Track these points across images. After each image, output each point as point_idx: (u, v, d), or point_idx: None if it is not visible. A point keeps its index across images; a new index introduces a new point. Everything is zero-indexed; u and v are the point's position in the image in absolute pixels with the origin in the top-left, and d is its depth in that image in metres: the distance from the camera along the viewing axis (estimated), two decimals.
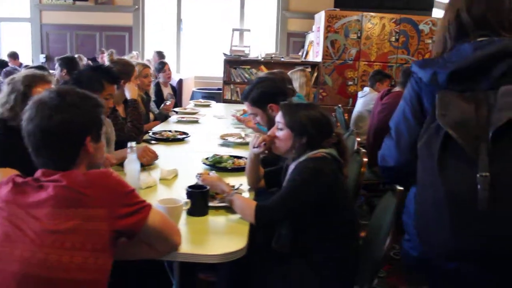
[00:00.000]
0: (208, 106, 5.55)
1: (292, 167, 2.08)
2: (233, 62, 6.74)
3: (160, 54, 7.64)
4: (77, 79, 2.72)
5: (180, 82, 7.38)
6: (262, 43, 8.82)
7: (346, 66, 6.63)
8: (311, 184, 1.94)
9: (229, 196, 2.01)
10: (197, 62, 9.05)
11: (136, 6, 8.72)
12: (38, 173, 1.39)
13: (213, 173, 2.20)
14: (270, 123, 2.68)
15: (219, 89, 7.59)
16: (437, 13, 7.11)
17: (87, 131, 1.45)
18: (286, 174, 2.25)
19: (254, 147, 2.21)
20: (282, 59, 6.79)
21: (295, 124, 2.08)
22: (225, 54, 6.80)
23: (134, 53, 7.53)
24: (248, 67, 6.72)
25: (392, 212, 1.99)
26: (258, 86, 2.67)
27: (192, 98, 7.50)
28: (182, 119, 4.32)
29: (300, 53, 8.21)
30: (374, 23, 6.55)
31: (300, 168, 1.99)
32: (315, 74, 6.65)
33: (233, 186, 2.19)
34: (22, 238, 1.30)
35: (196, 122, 4.29)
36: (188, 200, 1.87)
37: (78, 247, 1.29)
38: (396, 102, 4.16)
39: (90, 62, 8.02)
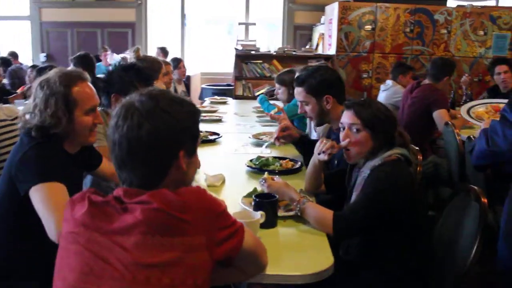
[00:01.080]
0: (225, 103, 5.37)
1: (365, 171, 1.91)
2: (244, 57, 6.55)
3: (163, 50, 7.43)
4: (107, 81, 2.54)
5: (188, 79, 7.18)
6: (268, 36, 8.66)
7: (360, 58, 6.47)
8: (391, 190, 1.78)
9: (301, 204, 1.84)
10: (202, 58, 8.85)
11: (139, 1, 8.49)
12: (119, 192, 1.20)
13: (277, 178, 2.03)
14: (321, 115, 2.50)
15: (228, 85, 7.41)
16: (452, 3, 6.95)
17: (182, 143, 1.25)
18: (351, 177, 2.10)
19: (319, 153, 2.03)
20: (295, 53, 6.61)
21: (373, 123, 1.91)
22: (236, 49, 6.61)
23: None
24: (260, 61, 6.54)
25: (475, 217, 1.83)
26: (318, 73, 2.46)
27: (202, 95, 7.30)
28: (204, 118, 4.13)
29: (307, 46, 8.05)
30: (389, 14, 6.38)
31: (377, 173, 1.83)
32: None
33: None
34: (110, 273, 1.11)
35: (220, 121, 4.11)
36: (262, 212, 1.70)
37: (178, 284, 1.11)
38: (427, 95, 4.06)
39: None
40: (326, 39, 7.06)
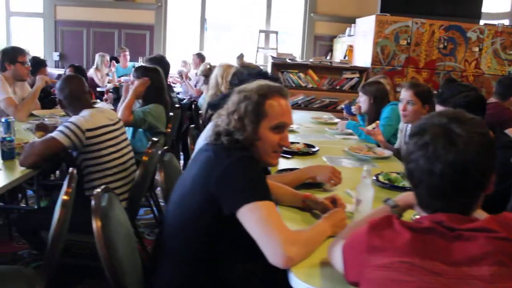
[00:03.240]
0: None
1: None
2: (281, 66, 6.50)
3: (200, 56, 7.33)
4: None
5: None
6: (288, 45, 8.65)
7: (394, 72, 6.50)
8: None
9: None
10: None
11: (159, 4, 8.38)
12: (441, 217, 1.16)
13: None
14: None
15: None
16: (484, 22, 7.07)
17: (494, 163, 1.22)
18: None
19: None
20: (331, 64, 6.60)
21: None
22: (273, 57, 6.56)
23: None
24: (296, 71, 6.50)
25: None
26: (463, 94, 2.43)
27: None
28: None
29: (328, 57, 8.08)
30: (424, 30, 6.45)
31: None
32: (363, 80, 6.50)
33: None
34: None
35: (293, 131, 4.02)
36: None
37: None
38: (497, 114, 4.08)
39: (114, 61, 7.66)
40: (357, 51, 7.08)
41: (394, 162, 3.12)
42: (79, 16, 8.49)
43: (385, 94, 3.92)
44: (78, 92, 2.73)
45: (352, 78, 6.50)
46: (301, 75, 6.49)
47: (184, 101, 6.16)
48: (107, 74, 7.45)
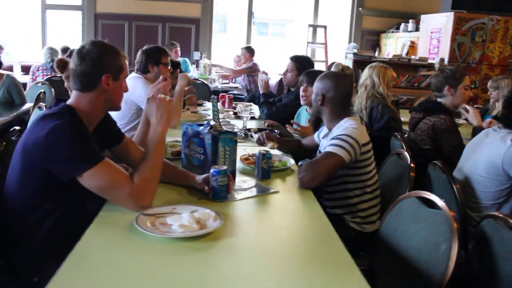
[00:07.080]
0: None
1: None
2: (360, 63, 6.42)
3: (250, 50, 7.12)
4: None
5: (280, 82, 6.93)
6: (334, 40, 8.56)
7: (469, 69, 6.52)
8: None
9: None
10: (269, 58, 8.59)
11: None
12: None
13: None
14: None
15: None
16: None
17: None
18: None
19: None
20: (409, 61, 6.56)
21: None
22: (355, 55, 6.46)
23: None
24: None
25: None
26: None
27: None
28: None
29: (376, 53, 8.05)
30: (499, 27, 6.51)
31: None
32: None
33: None
34: None
35: None
36: None
37: None
38: None
39: None
40: (422, 47, 7.07)
41: None
42: (120, 8, 8.09)
43: None
44: (350, 96, 2.52)
45: (428, 76, 6.48)
46: None
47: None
48: None
